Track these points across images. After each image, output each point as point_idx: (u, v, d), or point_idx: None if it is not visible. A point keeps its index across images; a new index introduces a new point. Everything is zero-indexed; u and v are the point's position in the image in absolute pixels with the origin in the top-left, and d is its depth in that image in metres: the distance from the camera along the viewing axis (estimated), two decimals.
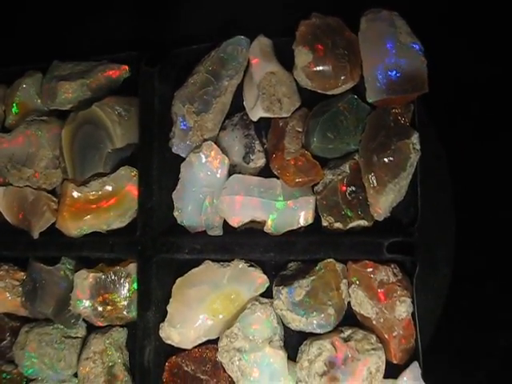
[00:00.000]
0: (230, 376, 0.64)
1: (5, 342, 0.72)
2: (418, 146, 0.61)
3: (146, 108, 0.66)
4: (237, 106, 0.68)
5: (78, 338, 0.70)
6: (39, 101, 0.74)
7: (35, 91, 0.73)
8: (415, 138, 0.60)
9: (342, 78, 0.63)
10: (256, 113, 0.65)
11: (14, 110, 0.73)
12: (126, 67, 0.71)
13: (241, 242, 0.63)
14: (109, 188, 0.68)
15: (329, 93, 0.64)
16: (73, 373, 0.70)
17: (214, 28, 0.71)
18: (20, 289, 0.71)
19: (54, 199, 0.71)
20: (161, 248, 0.65)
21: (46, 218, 0.69)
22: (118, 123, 0.66)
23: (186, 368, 0.64)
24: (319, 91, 0.65)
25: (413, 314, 0.60)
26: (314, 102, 0.65)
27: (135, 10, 0.75)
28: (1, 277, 0.71)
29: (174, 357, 0.65)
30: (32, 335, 0.69)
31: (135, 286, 0.67)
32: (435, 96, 0.61)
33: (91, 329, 0.71)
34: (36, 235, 0.69)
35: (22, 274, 0.72)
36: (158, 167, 0.66)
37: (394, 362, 0.61)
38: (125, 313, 0.67)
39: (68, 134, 0.68)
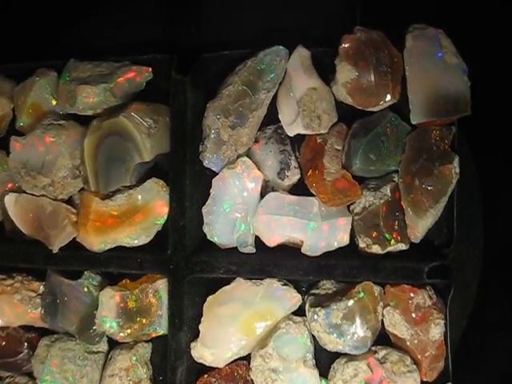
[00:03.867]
0: None
1: (22, 355, 0.69)
2: (458, 170, 0.60)
3: (178, 120, 0.63)
4: (268, 117, 0.65)
5: (100, 352, 0.69)
6: (54, 102, 0.68)
7: (50, 92, 0.68)
8: (456, 162, 0.60)
9: (385, 95, 0.61)
10: (295, 129, 0.62)
11: (27, 111, 0.68)
12: (150, 69, 0.66)
13: (279, 264, 0.61)
14: (135, 201, 0.64)
15: (368, 109, 0.63)
16: None
17: (244, 34, 0.68)
18: (38, 300, 0.68)
19: (74, 211, 0.67)
20: (194, 268, 0.63)
21: (68, 232, 0.65)
22: (147, 135, 0.62)
23: None
24: (358, 107, 0.63)
25: (445, 334, 0.61)
26: (352, 116, 0.64)
27: (156, 10, 0.69)
28: (16, 289, 0.68)
29: (205, 375, 0.64)
30: (54, 351, 0.67)
31: (163, 302, 0.65)
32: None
33: (112, 343, 0.69)
34: (56, 250, 0.66)
35: (38, 284, 0.69)
36: (190, 183, 0.63)
37: (425, 379, 0.62)
38: (152, 330, 0.66)
39: (91, 145, 0.63)
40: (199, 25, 0.69)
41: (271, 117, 0.65)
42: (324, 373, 0.64)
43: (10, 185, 0.70)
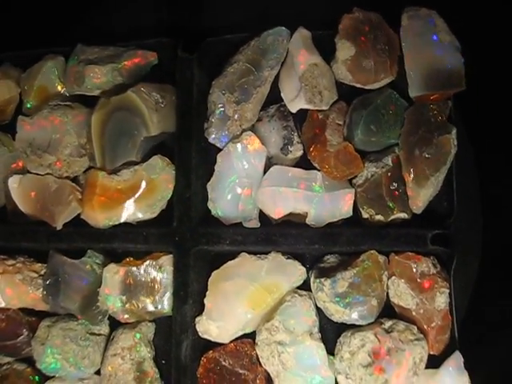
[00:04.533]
0: (266, 371, 0.63)
1: (21, 338, 0.67)
2: (455, 142, 0.62)
3: (184, 96, 0.65)
4: (270, 97, 0.67)
5: (101, 335, 0.67)
6: (60, 86, 0.70)
7: (57, 75, 0.70)
8: (454, 134, 0.62)
9: (383, 72, 0.64)
10: (297, 104, 0.64)
11: (34, 94, 0.69)
12: (155, 54, 0.69)
13: (285, 233, 0.62)
14: (141, 177, 0.65)
15: (367, 87, 0.65)
16: (95, 371, 0.67)
17: (246, 19, 0.71)
18: (39, 281, 0.67)
19: (79, 189, 0.67)
20: (200, 239, 0.63)
21: (73, 207, 0.65)
22: (154, 110, 0.64)
23: (224, 363, 0.63)
24: (357, 85, 0.65)
25: (450, 305, 0.62)
26: (351, 95, 0.66)
27: None
28: (18, 269, 0.67)
29: (210, 352, 0.63)
30: (55, 330, 0.65)
31: (167, 280, 0.65)
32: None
33: (114, 326, 0.68)
34: (60, 226, 0.66)
35: (40, 265, 0.68)
36: (195, 157, 0.64)
37: (431, 352, 0.62)
38: (156, 308, 0.65)
39: (99, 120, 0.65)
40: (203, 10, 0.72)
41: (273, 98, 0.67)
42: (330, 349, 0.63)
43: (13, 165, 0.70)
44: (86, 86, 0.67)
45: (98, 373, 0.68)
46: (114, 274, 0.64)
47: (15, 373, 0.68)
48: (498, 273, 0.68)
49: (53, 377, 0.68)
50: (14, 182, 0.69)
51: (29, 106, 0.70)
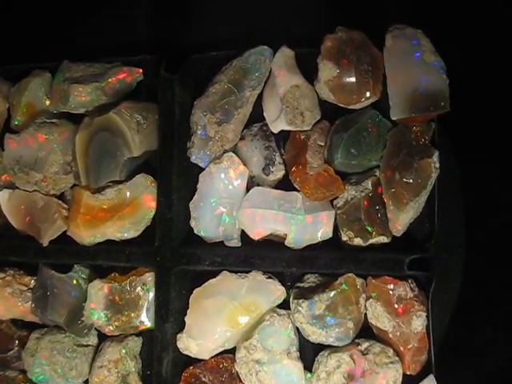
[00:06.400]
0: None
1: (12, 352, 0.70)
2: (437, 165, 0.62)
3: (166, 116, 0.65)
4: (254, 116, 0.67)
5: (89, 346, 0.70)
6: (47, 102, 0.71)
7: (44, 92, 0.70)
8: (436, 157, 0.61)
9: (366, 93, 0.63)
10: (278, 125, 0.64)
11: (22, 110, 0.70)
12: (140, 70, 0.69)
13: (263, 255, 0.63)
14: (124, 196, 0.66)
15: (350, 107, 0.65)
16: (83, 381, 0.70)
17: (231, 35, 0.70)
18: (28, 294, 0.70)
19: (65, 206, 0.69)
20: (180, 260, 0.64)
21: (58, 225, 0.67)
22: (136, 131, 0.64)
23: (204, 379, 0.65)
24: (341, 105, 0.65)
25: (427, 327, 0.62)
26: (335, 114, 0.66)
27: (149, 12, 0.72)
28: (7, 282, 0.70)
29: (191, 367, 0.65)
30: (43, 343, 0.68)
31: (150, 295, 0.66)
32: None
33: (102, 337, 0.70)
34: (46, 243, 0.68)
35: (29, 278, 0.71)
36: (177, 177, 0.65)
37: (408, 373, 0.63)
38: (139, 323, 0.67)
39: (82, 140, 0.66)
40: (188, 26, 0.71)
41: (257, 116, 0.67)
42: (309, 366, 0.64)
43: (3, 176, 0.71)
44: (71, 104, 0.67)
45: (86, 382, 0.70)
46: (98, 290, 0.66)
47: (7, 380, 0.71)
48: (480, 293, 0.68)
49: None
50: (3, 197, 0.71)
51: (16, 122, 0.71)
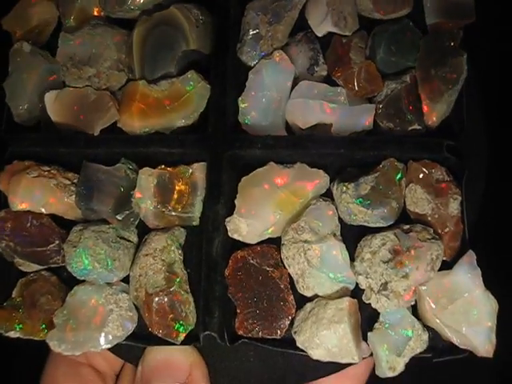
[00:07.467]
0: (289, 274, 0.66)
1: (52, 246, 0.69)
2: (466, 67, 0.69)
3: (221, 15, 0.70)
4: (297, 26, 0.73)
5: (130, 241, 0.70)
6: (98, 10, 0.74)
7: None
8: (465, 58, 0.69)
9: (402, 3, 0.71)
10: (324, 27, 0.71)
11: (75, 15, 0.73)
12: None
13: (313, 139, 0.67)
14: (177, 88, 0.69)
15: (385, 18, 0.72)
16: (124, 275, 0.69)
17: None
18: (72, 188, 0.69)
19: (116, 99, 0.71)
20: (233, 144, 0.67)
21: (111, 113, 0.69)
22: (194, 26, 0.69)
23: (251, 261, 0.66)
24: (376, 17, 0.72)
25: (461, 213, 0.67)
26: (370, 28, 0.72)
27: None
28: (53, 175, 0.69)
29: (238, 251, 0.67)
30: (87, 233, 0.67)
31: (197, 187, 0.68)
32: None
33: (143, 235, 0.70)
34: (97, 132, 0.69)
35: (72, 174, 0.70)
36: (230, 72, 0.69)
37: (443, 258, 0.66)
38: (185, 213, 0.68)
39: (140, 34, 0.69)
40: None
41: (300, 27, 0.73)
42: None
43: (50, 78, 0.73)
44: (127, 6, 0.71)
45: (124, 281, 0.70)
46: (148, 177, 0.67)
47: (43, 278, 0.70)
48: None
49: (81, 282, 0.69)
50: (50, 98, 0.72)
51: (69, 25, 0.74)
